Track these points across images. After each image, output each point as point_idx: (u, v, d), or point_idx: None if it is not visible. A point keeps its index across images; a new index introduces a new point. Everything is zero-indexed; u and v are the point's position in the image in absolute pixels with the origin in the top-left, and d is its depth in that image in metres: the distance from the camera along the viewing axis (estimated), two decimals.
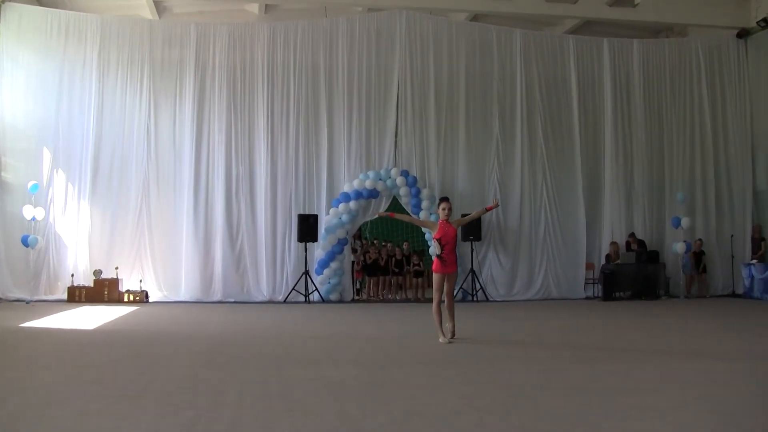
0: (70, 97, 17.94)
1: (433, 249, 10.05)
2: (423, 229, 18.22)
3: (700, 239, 19.55)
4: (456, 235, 9.97)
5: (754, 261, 18.91)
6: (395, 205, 18.85)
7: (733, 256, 19.74)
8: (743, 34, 20.43)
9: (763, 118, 20.24)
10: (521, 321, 13.74)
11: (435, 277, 10.02)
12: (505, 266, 18.91)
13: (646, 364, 8.18)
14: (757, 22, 19.64)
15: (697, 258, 19.41)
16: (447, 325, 10.04)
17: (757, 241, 19.51)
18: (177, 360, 8.49)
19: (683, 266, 19.17)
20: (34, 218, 16.68)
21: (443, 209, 9.98)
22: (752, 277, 18.68)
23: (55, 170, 17.65)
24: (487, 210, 11.19)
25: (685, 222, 19.06)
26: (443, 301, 10.03)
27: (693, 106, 20.46)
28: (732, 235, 19.84)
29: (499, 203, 10.13)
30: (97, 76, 18.02)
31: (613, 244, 19.12)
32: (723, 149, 20.40)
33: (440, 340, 9.81)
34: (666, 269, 19.29)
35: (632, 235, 19.31)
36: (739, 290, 19.53)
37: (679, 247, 18.96)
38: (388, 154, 18.67)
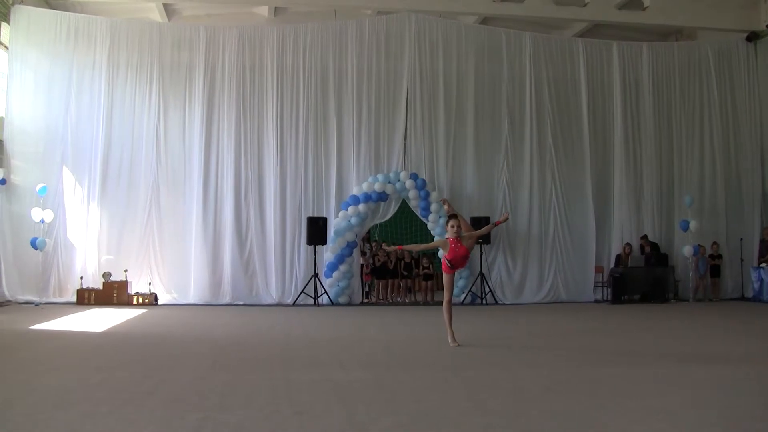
0: (79, 100, 17.99)
1: (445, 263, 10.02)
2: (434, 235, 18.23)
3: (715, 242, 19.48)
4: (466, 254, 9.91)
5: (764, 264, 18.83)
6: (404, 208, 18.87)
7: (742, 260, 19.67)
8: (752, 37, 20.36)
9: None
10: (530, 324, 13.71)
11: (446, 276, 10.03)
12: (514, 269, 18.88)
13: (654, 367, 8.17)
14: (766, 25, 19.60)
15: (712, 260, 19.36)
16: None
17: (766, 244, 19.42)
18: (185, 362, 8.51)
19: (696, 269, 19.11)
20: (42, 221, 16.73)
21: (452, 227, 9.87)
22: (761, 281, 18.61)
23: (63, 173, 17.69)
24: (496, 224, 11.08)
25: (693, 225, 19.00)
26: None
27: (702, 109, 20.39)
28: (741, 239, 19.76)
29: (509, 217, 9.89)
30: (107, 78, 18.07)
31: (627, 245, 19.09)
32: (733, 152, 20.33)
33: (450, 342, 9.80)
34: (675, 272, 19.24)
35: (644, 237, 19.26)
36: (749, 293, 19.47)
37: (686, 250, 18.92)
38: (397, 157, 18.66)
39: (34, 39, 17.93)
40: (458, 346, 9.70)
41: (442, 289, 10.35)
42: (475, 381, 7.33)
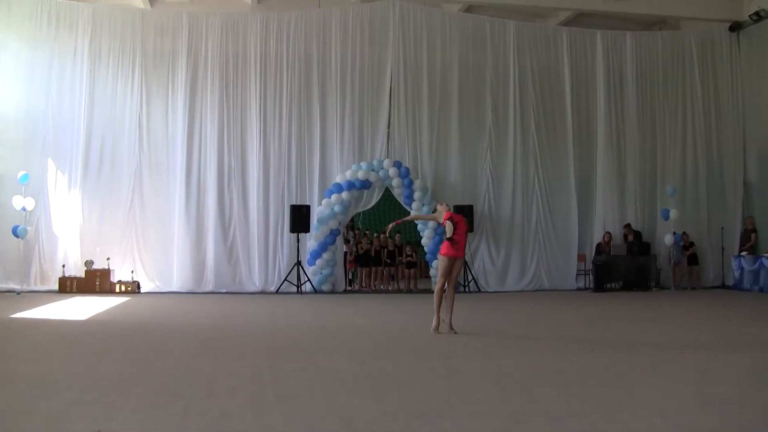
0: (61, 87, 17.83)
1: (447, 229, 9.88)
2: (417, 222, 18.24)
3: (684, 233, 19.51)
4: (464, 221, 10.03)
5: (744, 253, 18.97)
6: (387, 196, 18.86)
7: (723, 248, 19.80)
8: (735, 27, 20.44)
9: (755, 111, 20.29)
10: (513, 312, 13.78)
11: (443, 260, 9.92)
12: (497, 257, 18.93)
13: (636, 355, 8.24)
14: (749, 16, 19.67)
15: (686, 250, 19.45)
16: (444, 317, 9.99)
17: (747, 233, 19.56)
18: (169, 350, 8.49)
19: (673, 257, 19.20)
20: (24, 208, 16.60)
21: (440, 212, 10.13)
22: (742, 269, 18.74)
23: (45, 160, 17.53)
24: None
25: (673, 214, 19.08)
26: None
27: (685, 98, 20.47)
28: (723, 227, 19.88)
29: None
30: (89, 65, 17.92)
31: (607, 233, 19.16)
32: (715, 141, 20.43)
33: (432, 326, 9.82)
34: (657, 261, 19.34)
35: (628, 225, 19.33)
36: (729, 282, 19.61)
37: (667, 239, 19.02)
38: (381, 145, 18.66)
39: (15, 24, 17.76)
40: (439, 333, 9.74)
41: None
42: (459, 369, 7.36)
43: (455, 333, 9.79)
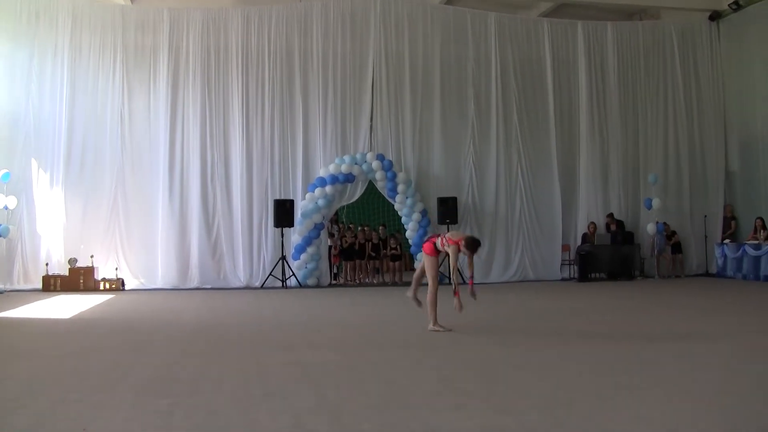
0: (41, 83, 17.67)
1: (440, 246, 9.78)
2: (402, 215, 18.29)
3: (665, 222, 19.59)
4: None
5: (728, 241, 19.10)
6: (371, 190, 18.86)
7: (706, 236, 19.93)
8: (715, 16, 20.54)
9: (735, 100, 20.42)
10: (498, 303, 13.78)
11: (431, 260, 9.74)
12: (481, 248, 18.92)
13: (622, 344, 8.27)
14: (728, 5, 19.75)
15: (668, 239, 19.54)
16: (415, 291, 9.94)
17: (727, 221, 19.72)
18: (155, 347, 8.47)
19: (656, 246, 19.27)
20: (6, 207, 16.52)
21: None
22: (725, 257, 18.87)
23: (27, 158, 17.40)
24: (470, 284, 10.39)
25: (656, 203, 19.18)
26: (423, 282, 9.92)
27: (666, 88, 20.56)
28: (705, 216, 20.00)
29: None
30: (69, 61, 17.80)
31: (592, 224, 19.22)
32: (696, 130, 20.52)
33: (434, 328, 9.54)
34: (641, 250, 19.45)
35: (610, 215, 19.41)
36: (713, 269, 19.74)
37: (650, 228, 19.11)
38: (364, 139, 18.68)
39: None
40: (445, 329, 9.55)
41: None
42: (445, 361, 7.38)
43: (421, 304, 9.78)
